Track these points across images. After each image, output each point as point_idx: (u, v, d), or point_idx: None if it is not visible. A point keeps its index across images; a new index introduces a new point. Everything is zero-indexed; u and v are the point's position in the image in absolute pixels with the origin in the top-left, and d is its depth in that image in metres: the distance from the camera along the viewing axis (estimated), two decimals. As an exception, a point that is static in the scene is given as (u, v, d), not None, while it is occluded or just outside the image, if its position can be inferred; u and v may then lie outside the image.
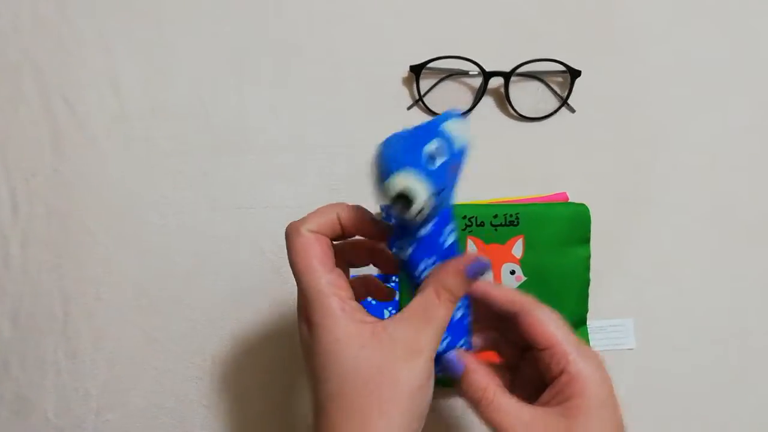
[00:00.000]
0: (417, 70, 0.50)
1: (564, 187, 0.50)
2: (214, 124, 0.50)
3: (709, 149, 0.48)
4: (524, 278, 0.47)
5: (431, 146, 0.27)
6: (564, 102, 0.51)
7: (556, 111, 0.51)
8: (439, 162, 0.27)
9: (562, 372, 0.30)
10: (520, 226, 0.47)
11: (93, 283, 0.49)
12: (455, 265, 0.30)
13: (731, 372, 0.50)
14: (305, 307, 0.30)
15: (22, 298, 0.49)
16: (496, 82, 0.50)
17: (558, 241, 0.47)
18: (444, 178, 0.27)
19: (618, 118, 0.51)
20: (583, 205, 0.48)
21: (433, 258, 0.31)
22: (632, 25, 0.52)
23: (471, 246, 0.47)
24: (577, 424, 0.29)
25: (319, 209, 0.32)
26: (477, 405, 0.31)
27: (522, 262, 0.47)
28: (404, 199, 0.26)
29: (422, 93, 0.50)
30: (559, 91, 0.52)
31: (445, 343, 0.32)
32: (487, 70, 0.49)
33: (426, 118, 0.51)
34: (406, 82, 0.51)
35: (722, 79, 0.52)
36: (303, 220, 0.31)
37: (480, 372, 0.32)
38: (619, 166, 0.51)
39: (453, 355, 0.32)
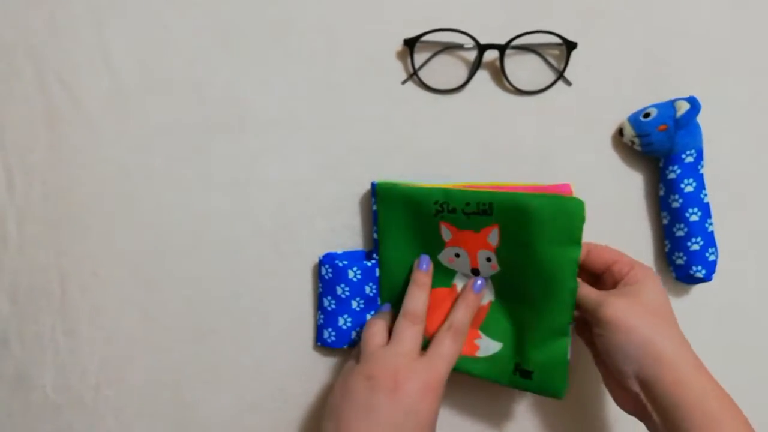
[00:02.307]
0: (411, 44, 0.49)
1: (560, 162, 0.49)
2: (208, 100, 0.50)
3: (710, 122, 0.47)
4: (499, 268, 0.43)
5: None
6: (560, 75, 0.51)
7: (552, 84, 0.51)
8: None
9: (628, 272, 0.43)
10: (494, 216, 0.42)
11: (90, 260, 0.49)
12: None
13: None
14: None
15: (19, 275, 0.49)
16: (491, 56, 0.50)
17: (539, 238, 0.41)
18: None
19: (615, 91, 0.51)
20: (575, 199, 0.40)
21: None
22: (629, -4, 0.51)
23: (445, 231, 0.45)
24: (640, 293, 0.41)
25: None
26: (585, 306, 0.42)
27: (498, 251, 0.43)
28: None
29: (417, 67, 0.50)
30: (555, 64, 0.51)
31: None
32: (482, 43, 0.49)
33: (421, 92, 0.51)
34: (400, 56, 0.51)
35: (724, 49, 0.52)
36: None
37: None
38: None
39: None
